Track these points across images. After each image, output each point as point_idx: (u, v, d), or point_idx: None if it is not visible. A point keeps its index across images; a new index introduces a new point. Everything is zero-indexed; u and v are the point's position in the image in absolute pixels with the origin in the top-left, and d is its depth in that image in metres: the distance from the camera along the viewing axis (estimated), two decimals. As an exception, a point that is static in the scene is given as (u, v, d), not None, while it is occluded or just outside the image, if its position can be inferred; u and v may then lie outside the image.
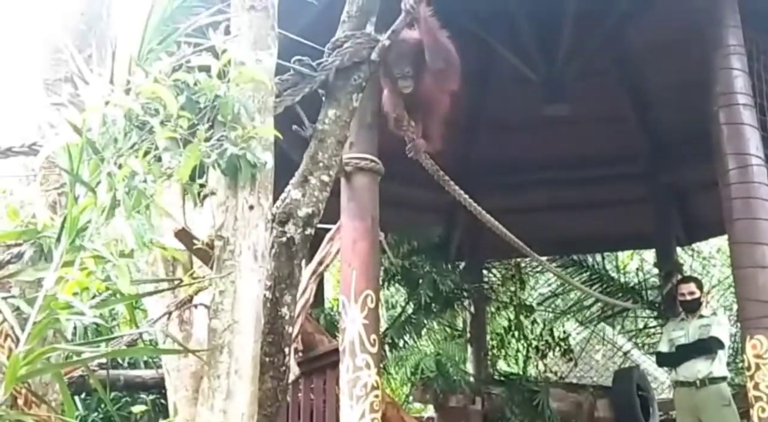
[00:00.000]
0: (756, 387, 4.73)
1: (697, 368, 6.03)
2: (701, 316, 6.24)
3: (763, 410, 4.67)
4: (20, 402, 3.02)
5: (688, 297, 6.30)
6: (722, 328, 6.12)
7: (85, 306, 2.38)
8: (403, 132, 4.28)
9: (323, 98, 3.55)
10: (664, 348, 6.62)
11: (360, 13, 3.58)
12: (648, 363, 11.09)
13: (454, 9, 5.84)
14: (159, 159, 2.63)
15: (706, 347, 6.02)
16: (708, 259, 12.05)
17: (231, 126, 2.72)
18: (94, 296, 2.52)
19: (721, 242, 10.43)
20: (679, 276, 8.78)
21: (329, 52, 3.48)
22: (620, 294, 9.83)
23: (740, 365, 6.96)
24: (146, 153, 2.59)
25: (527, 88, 7.33)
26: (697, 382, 5.98)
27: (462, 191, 5.23)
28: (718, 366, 5.99)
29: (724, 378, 5.98)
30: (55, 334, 2.60)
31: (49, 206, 2.78)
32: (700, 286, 6.54)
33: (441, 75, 4.09)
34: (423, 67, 4.01)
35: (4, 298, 2.54)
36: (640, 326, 10.81)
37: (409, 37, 3.92)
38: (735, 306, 5.98)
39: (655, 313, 9.66)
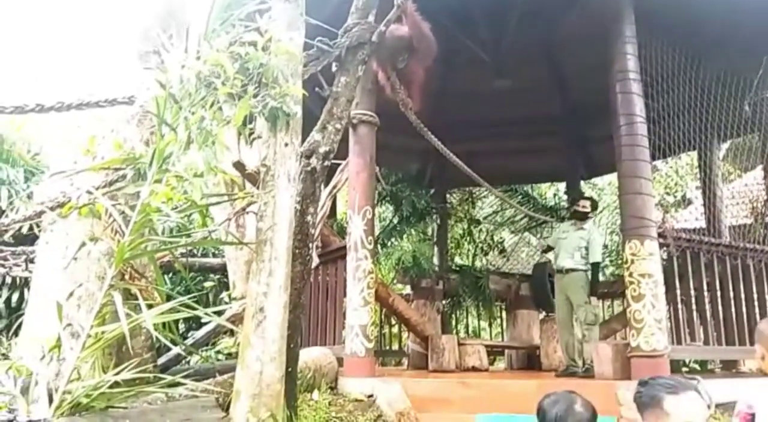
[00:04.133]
0: (630, 275, 4.79)
1: (564, 262, 6.06)
2: (582, 228, 6.17)
3: (635, 290, 4.73)
4: (126, 277, 3.04)
5: (581, 209, 6.26)
6: (598, 247, 6.07)
7: (171, 211, 2.37)
8: (395, 95, 4.23)
9: (337, 69, 3.47)
10: (550, 241, 6.64)
11: (364, 6, 3.48)
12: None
13: (428, 5, 5.67)
14: (220, 109, 2.59)
15: (597, 274, 6.04)
16: (602, 189, 12.09)
17: (271, 86, 2.67)
18: (176, 207, 2.52)
19: (612, 178, 10.44)
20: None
21: (342, 34, 3.39)
22: (541, 212, 9.90)
23: (620, 261, 7.06)
24: (211, 104, 2.54)
25: (481, 67, 7.16)
26: (564, 270, 6.02)
27: (435, 138, 5.19)
28: (579, 261, 5.95)
29: (583, 270, 5.93)
30: (149, 231, 2.60)
31: (143, 142, 2.74)
32: (593, 205, 6.45)
33: (422, 56, 4.04)
34: (411, 52, 3.96)
35: (114, 205, 2.52)
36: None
37: (403, 32, 3.85)
38: (619, 221, 5.97)
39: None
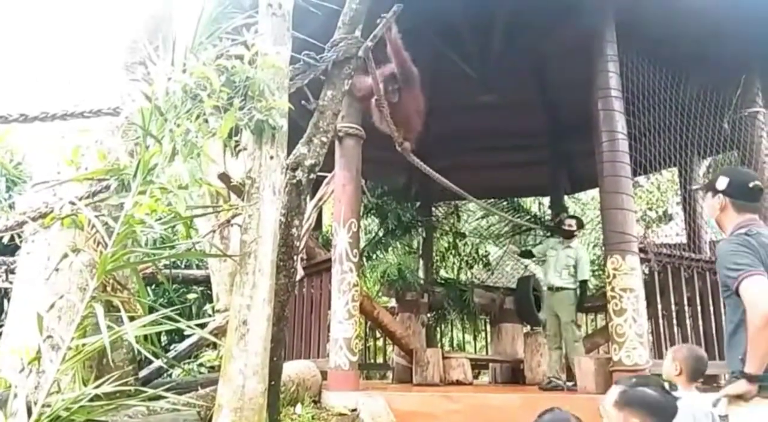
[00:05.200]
0: (612, 289, 4.84)
1: (553, 280, 6.14)
2: (569, 247, 6.25)
3: (617, 305, 4.78)
4: (108, 288, 3.01)
5: (567, 228, 6.34)
6: (586, 266, 6.14)
7: (154, 223, 2.36)
8: (391, 132, 4.37)
9: (323, 83, 3.49)
10: (535, 251, 6.68)
11: (351, 22, 3.50)
12: (540, 273, 11.31)
13: (417, 24, 5.75)
14: (206, 121, 2.59)
15: (584, 292, 6.12)
16: (585, 204, 12.19)
17: (257, 99, 2.68)
18: (160, 218, 2.51)
19: (594, 193, 10.55)
20: (565, 214, 8.91)
21: (329, 49, 3.42)
22: (524, 227, 9.97)
23: (602, 276, 7.11)
24: (197, 117, 2.54)
25: (467, 81, 7.23)
26: (554, 288, 6.10)
27: (418, 160, 5.27)
28: (567, 279, 6.05)
29: (572, 288, 6.03)
30: (132, 242, 2.58)
31: (128, 153, 2.73)
32: (579, 224, 6.53)
33: (408, 86, 4.20)
34: (401, 83, 4.12)
35: (97, 216, 2.51)
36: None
37: (390, 68, 4.03)
38: (601, 236, 6.04)
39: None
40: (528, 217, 10.12)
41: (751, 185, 2.38)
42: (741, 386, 2.18)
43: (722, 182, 2.38)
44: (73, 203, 2.59)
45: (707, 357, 3.30)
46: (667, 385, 3.05)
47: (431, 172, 5.40)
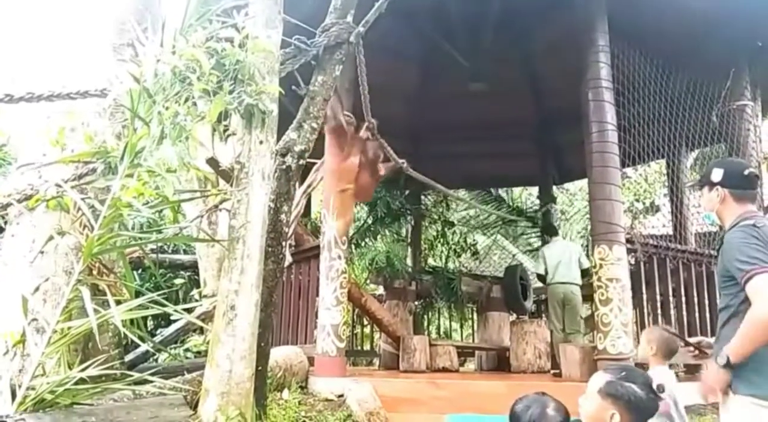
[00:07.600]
0: (599, 279, 4.88)
1: None
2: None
3: (603, 294, 4.83)
4: (95, 272, 2.99)
5: None
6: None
7: (142, 206, 2.34)
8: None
9: (314, 68, 3.46)
10: None
11: (343, 6, 3.48)
12: (527, 262, 11.40)
13: (409, 11, 5.72)
14: (195, 104, 2.56)
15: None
16: (573, 194, 12.25)
17: (247, 83, 2.66)
18: (147, 202, 2.48)
19: (582, 183, 10.61)
20: (552, 205, 9.01)
21: (320, 33, 3.39)
22: (514, 215, 10.02)
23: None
24: (186, 100, 2.51)
25: (458, 70, 7.20)
26: None
27: (397, 158, 5.30)
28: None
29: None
30: (119, 226, 2.56)
31: (115, 135, 2.70)
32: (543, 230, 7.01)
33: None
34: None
35: (83, 199, 2.48)
36: (527, 241, 11.11)
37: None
38: (589, 227, 6.08)
39: (536, 230, 9.87)
40: (515, 210, 10.19)
41: (746, 173, 2.33)
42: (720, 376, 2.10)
43: (717, 174, 2.33)
44: (58, 186, 2.56)
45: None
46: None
47: (396, 159, 5.46)
